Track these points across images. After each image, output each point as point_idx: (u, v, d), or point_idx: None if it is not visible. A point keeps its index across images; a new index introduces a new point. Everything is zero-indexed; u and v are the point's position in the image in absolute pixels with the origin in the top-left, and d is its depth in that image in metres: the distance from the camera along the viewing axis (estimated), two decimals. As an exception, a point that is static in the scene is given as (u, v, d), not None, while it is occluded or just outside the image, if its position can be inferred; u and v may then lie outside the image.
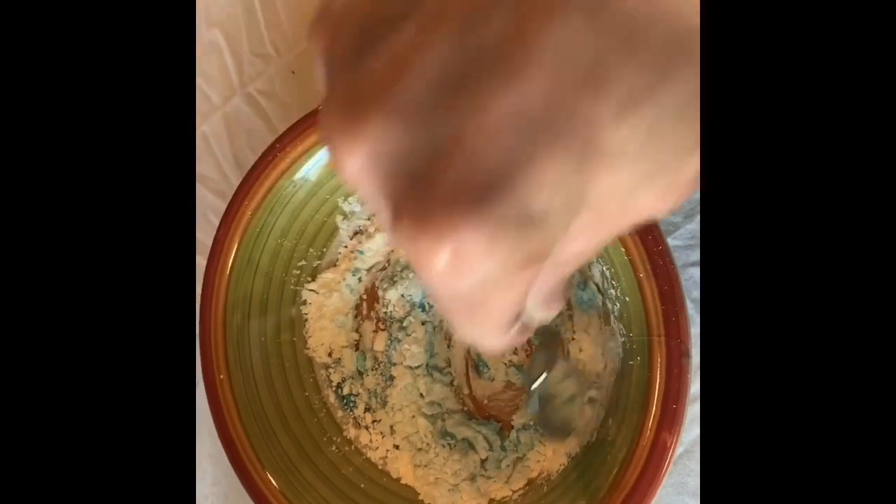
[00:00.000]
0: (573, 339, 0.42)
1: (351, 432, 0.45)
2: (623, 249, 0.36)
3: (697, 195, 0.41)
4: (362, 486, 0.43)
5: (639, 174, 0.17)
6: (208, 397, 0.41)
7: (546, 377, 0.38)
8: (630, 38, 0.15)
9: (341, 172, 0.17)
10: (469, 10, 0.15)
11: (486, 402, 0.44)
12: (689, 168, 0.17)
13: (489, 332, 0.20)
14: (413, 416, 0.44)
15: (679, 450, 0.42)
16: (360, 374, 0.46)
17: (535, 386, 0.38)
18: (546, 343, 0.39)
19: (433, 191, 0.16)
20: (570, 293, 0.22)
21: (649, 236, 0.36)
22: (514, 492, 0.42)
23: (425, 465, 0.43)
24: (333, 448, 0.44)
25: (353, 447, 0.44)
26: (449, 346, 0.45)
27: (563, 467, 0.41)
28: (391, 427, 0.45)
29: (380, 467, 0.44)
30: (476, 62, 0.15)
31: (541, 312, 0.21)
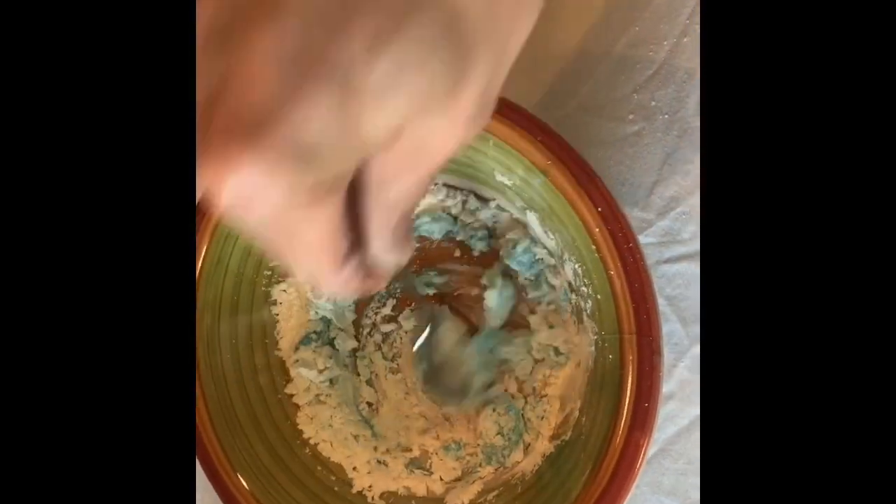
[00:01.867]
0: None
1: (324, 434, 0.44)
2: (594, 247, 0.36)
3: (664, 192, 0.41)
4: (336, 489, 0.43)
5: (410, 107, 0.18)
6: (179, 400, 0.40)
7: (427, 337, 0.38)
8: None
9: None
10: None
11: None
12: (462, 95, 0.19)
13: (317, 269, 0.21)
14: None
15: (654, 449, 0.42)
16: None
17: (416, 346, 0.38)
18: (429, 314, 0.38)
19: (214, 123, 0.17)
20: (413, 239, 0.24)
21: (620, 234, 0.36)
22: (488, 492, 0.42)
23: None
24: (307, 451, 0.44)
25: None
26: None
27: (537, 467, 0.41)
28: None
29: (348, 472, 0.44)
30: (242, 9, 0.17)
31: (389, 255, 0.23)
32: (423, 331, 0.38)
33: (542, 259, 0.42)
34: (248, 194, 0.17)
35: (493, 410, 0.42)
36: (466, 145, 0.20)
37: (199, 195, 0.18)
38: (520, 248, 0.41)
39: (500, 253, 0.43)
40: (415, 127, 0.19)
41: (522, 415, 0.42)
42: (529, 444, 0.42)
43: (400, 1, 0.17)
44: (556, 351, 0.42)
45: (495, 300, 0.41)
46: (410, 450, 0.44)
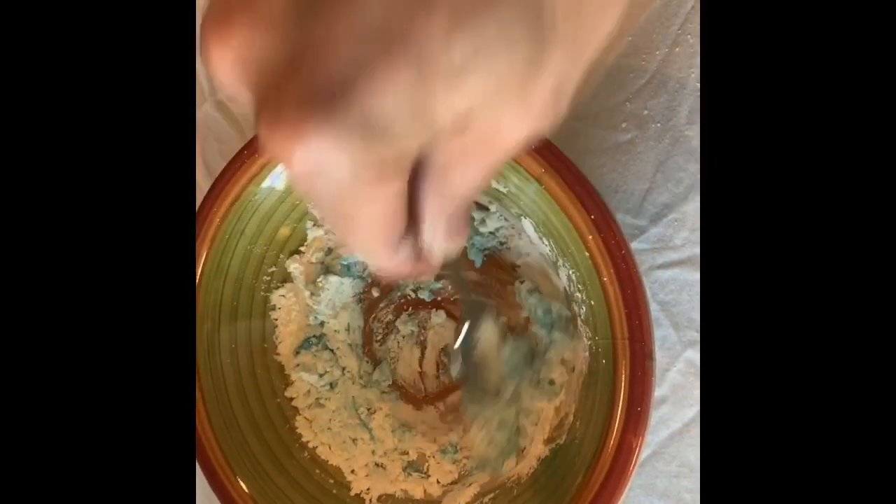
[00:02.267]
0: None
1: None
2: (587, 254, 0.37)
3: (657, 199, 0.42)
4: (335, 491, 0.43)
5: (484, 92, 0.18)
6: (179, 404, 0.41)
7: (466, 336, 0.36)
8: None
9: (213, 72, 0.18)
10: None
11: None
12: (537, 86, 0.19)
13: (371, 247, 0.21)
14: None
15: (647, 452, 0.42)
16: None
17: (457, 345, 0.37)
18: (470, 310, 0.37)
19: (286, 94, 0.17)
20: (468, 230, 0.23)
21: (612, 241, 0.36)
22: (484, 495, 0.42)
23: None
24: (305, 454, 0.44)
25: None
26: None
27: (532, 470, 0.41)
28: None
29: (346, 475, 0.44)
30: None
31: (442, 243, 0.22)
32: (460, 327, 0.37)
33: (557, 312, 0.42)
34: (316, 165, 0.18)
35: (483, 427, 0.42)
36: (536, 137, 0.20)
37: (272, 156, 0.18)
38: (533, 300, 0.41)
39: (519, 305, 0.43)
40: (485, 113, 0.19)
41: (517, 426, 0.43)
42: (525, 449, 0.42)
43: None
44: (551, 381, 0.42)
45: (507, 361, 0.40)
46: (408, 453, 0.45)
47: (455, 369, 0.38)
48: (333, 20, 0.17)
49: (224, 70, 0.18)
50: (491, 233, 0.44)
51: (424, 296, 0.45)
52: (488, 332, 0.38)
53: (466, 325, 0.37)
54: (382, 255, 0.22)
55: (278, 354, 0.45)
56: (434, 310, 0.45)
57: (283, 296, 0.45)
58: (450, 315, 0.45)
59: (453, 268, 0.32)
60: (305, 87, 0.17)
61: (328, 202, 0.19)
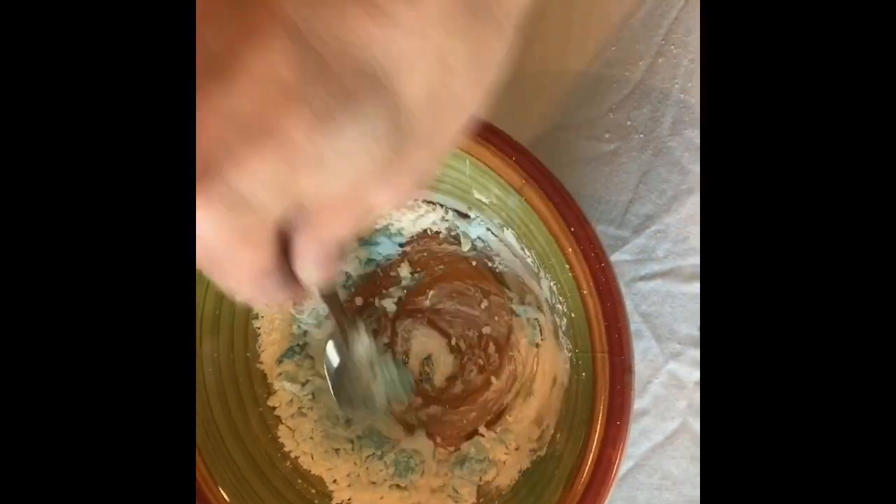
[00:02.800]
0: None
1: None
2: (567, 266, 0.37)
3: (639, 210, 0.42)
4: (316, 501, 0.43)
5: (346, 177, 0.20)
6: (160, 414, 0.41)
7: (342, 350, 0.39)
8: (325, 63, 0.19)
9: None
10: (203, 13, 0.19)
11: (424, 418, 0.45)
12: (398, 173, 0.21)
13: (238, 287, 0.24)
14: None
15: (629, 464, 0.42)
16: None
17: (335, 361, 0.40)
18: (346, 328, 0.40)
19: None
20: (340, 265, 0.26)
21: (592, 254, 0.36)
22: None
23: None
24: (287, 463, 0.44)
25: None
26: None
27: (514, 482, 0.41)
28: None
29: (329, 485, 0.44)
30: (203, 68, 0.19)
31: (312, 276, 0.25)
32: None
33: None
34: (196, 229, 0.20)
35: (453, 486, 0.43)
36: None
37: None
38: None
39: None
40: (350, 190, 0.21)
41: (487, 456, 0.43)
42: (505, 462, 0.42)
43: (347, 86, 0.19)
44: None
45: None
46: (390, 464, 0.45)
47: (329, 378, 0.40)
48: (209, 102, 0.19)
49: None
50: (473, 241, 0.44)
51: (389, 307, 0.46)
52: (362, 347, 0.40)
53: (336, 343, 0.40)
54: (252, 298, 0.24)
55: (261, 363, 0.45)
56: (418, 321, 0.45)
57: (266, 304, 0.45)
58: (432, 325, 0.45)
59: (329, 294, 0.35)
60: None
61: (203, 258, 0.21)
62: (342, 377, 0.40)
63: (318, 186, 0.20)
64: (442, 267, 0.45)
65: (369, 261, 0.46)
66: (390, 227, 0.44)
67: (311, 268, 0.24)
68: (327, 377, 0.40)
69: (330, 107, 0.19)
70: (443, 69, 0.20)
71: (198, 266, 0.22)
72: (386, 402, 0.42)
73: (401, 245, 0.46)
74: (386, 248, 0.46)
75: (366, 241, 0.44)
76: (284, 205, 0.20)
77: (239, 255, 0.22)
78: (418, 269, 0.46)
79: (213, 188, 0.19)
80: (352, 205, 0.22)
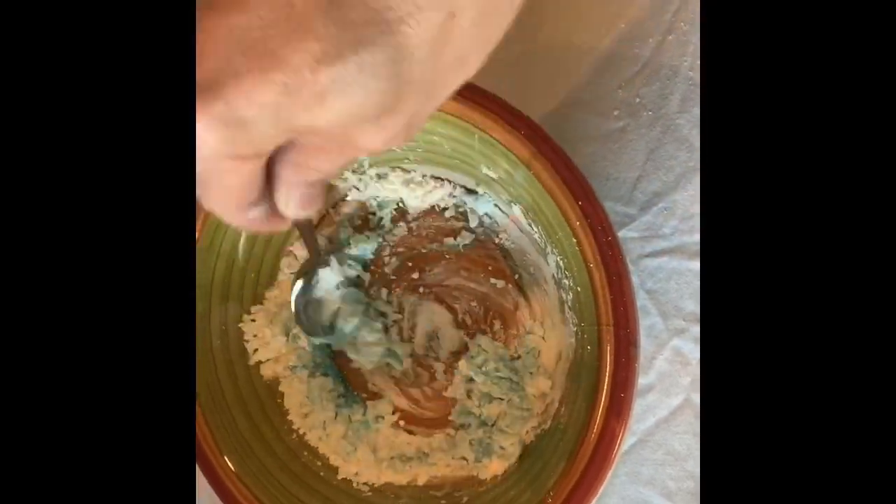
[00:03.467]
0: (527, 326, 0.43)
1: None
2: (574, 240, 0.37)
3: (647, 188, 0.42)
4: (322, 474, 0.44)
5: (341, 114, 0.21)
6: (168, 383, 0.41)
7: (308, 282, 0.42)
8: (338, 5, 0.19)
9: None
10: None
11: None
12: (390, 118, 0.22)
13: (223, 209, 0.24)
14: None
15: (633, 439, 0.43)
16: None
17: (297, 290, 0.42)
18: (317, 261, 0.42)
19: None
20: (320, 203, 0.26)
21: (599, 227, 0.36)
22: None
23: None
24: (293, 437, 0.44)
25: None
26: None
27: (517, 455, 0.41)
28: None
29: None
30: None
31: (292, 208, 0.25)
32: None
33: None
34: (196, 139, 0.20)
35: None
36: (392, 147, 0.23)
37: None
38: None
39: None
40: (342, 128, 0.21)
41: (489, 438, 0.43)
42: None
43: (356, 27, 0.20)
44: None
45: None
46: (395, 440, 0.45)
47: (295, 310, 0.42)
48: (220, 18, 0.19)
49: None
50: (480, 217, 0.44)
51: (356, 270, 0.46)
52: (328, 277, 0.42)
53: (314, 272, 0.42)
54: (233, 215, 0.25)
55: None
56: (424, 296, 0.46)
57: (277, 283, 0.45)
58: (438, 300, 0.45)
59: (305, 226, 0.38)
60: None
61: (199, 174, 0.22)
62: (307, 307, 0.42)
63: (313, 121, 0.21)
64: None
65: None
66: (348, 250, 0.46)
67: (293, 203, 0.25)
68: (292, 304, 0.42)
69: (339, 44, 0.19)
70: (450, 23, 0.21)
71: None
72: (349, 336, 0.44)
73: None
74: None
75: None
76: (279, 135, 0.21)
77: (228, 177, 0.22)
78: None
79: (215, 105, 0.20)
80: (342, 142, 0.22)
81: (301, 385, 0.45)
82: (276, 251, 0.45)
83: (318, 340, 0.44)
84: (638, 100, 0.42)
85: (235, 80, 0.19)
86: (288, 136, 0.21)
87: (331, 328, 0.43)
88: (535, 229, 0.40)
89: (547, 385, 0.42)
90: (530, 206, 0.39)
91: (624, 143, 0.42)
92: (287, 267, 0.45)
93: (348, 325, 0.43)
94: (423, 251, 0.45)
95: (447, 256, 0.45)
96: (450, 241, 0.45)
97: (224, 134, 0.20)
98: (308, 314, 0.42)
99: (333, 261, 0.42)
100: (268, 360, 0.45)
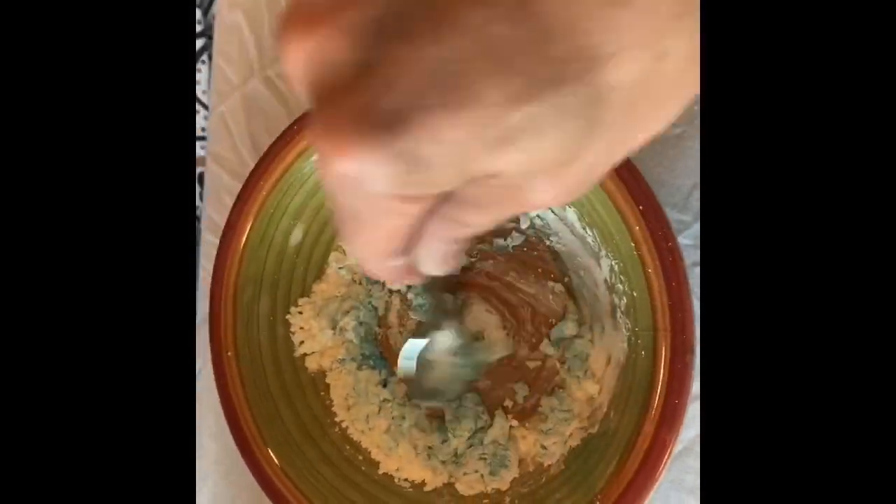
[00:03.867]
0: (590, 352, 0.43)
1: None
2: (633, 244, 0.37)
3: (697, 197, 0.42)
4: (364, 468, 0.44)
5: (523, 161, 0.19)
6: (215, 374, 0.41)
7: (427, 344, 0.39)
8: (540, 38, 0.17)
9: (284, 65, 0.19)
10: None
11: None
12: (572, 167, 0.20)
13: (369, 253, 0.23)
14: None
15: (678, 447, 0.42)
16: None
17: (415, 350, 0.39)
18: (437, 318, 0.40)
19: (348, 103, 0.18)
20: (461, 261, 0.25)
21: (660, 232, 0.36)
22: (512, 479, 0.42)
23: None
24: (336, 430, 0.44)
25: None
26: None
27: (563, 458, 0.41)
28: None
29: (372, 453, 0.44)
30: (416, 10, 0.18)
31: (431, 265, 0.24)
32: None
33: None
34: (356, 174, 0.18)
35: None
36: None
37: (316, 153, 0.20)
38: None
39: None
40: (517, 177, 0.19)
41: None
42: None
43: (556, 64, 0.18)
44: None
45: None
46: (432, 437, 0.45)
47: (401, 370, 0.40)
48: (414, 49, 0.17)
49: (296, 67, 0.19)
50: (532, 219, 0.44)
51: (419, 316, 0.46)
52: (446, 339, 0.40)
53: (425, 342, 0.39)
54: (376, 262, 0.23)
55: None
56: (474, 293, 0.45)
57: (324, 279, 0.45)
58: (487, 300, 0.45)
59: (431, 285, 0.35)
60: (368, 105, 0.18)
61: (350, 204, 0.20)
62: (421, 373, 0.39)
63: (493, 164, 0.19)
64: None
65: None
66: None
67: (434, 258, 0.23)
68: (407, 363, 0.40)
69: (538, 83, 0.17)
70: (657, 65, 0.19)
71: (332, 209, 0.21)
72: (460, 389, 0.42)
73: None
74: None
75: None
76: (455, 178, 0.19)
77: (387, 218, 0.21)
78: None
79: (397, 143, 0.18)
80: (507, 196, 0.20)
81: (348, 377, 0.45)
82: (326, 246, 0.45)
83: (425, 404, 0.43)
84: (696, 106, 0.42)
85: (425, 117, 0.17)
86: (463, 179, 0.19)
87: (433, 391, 0.41)
88: (590, 233, 0.40)
89: (595, 389, 0.42)
90: (586, 210, 0.39)
91: (681, 149, 0.42)
92: (335, 262, 0.45)
93: (456, 380, 0.41)
94: (474, 251, 0.45)
95: (497, 257, 0.45)
96: (500, 241, 0.45)
97: (400, 170, 0.18)
98: (422, 381, 0.40)
99: (451, 319, 0.40)
100: (313, 352, 0.45)
